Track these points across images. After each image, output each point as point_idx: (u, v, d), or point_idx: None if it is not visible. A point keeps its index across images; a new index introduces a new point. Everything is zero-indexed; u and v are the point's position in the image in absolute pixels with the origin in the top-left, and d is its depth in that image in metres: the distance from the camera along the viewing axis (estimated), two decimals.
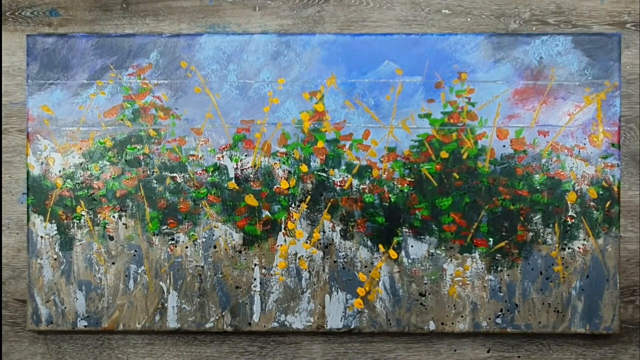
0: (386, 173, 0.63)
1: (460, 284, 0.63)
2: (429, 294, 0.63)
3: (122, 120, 0.63)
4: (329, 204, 0.63)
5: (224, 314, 0.63)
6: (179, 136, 0.63)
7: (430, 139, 0.63)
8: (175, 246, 0.63)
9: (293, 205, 0.63)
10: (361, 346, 0.64)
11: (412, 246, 0.63)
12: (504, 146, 0.63)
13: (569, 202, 0.62)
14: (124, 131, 0.63)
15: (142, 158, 0.63)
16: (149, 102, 0.63)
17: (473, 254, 0.63)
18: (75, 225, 0.63)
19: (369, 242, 0.63)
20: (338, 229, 0.63)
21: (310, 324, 0.63)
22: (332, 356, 0.64)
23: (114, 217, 0.63)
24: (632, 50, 0.64)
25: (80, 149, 0.63)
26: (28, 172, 0.63)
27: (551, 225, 0.62)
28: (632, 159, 0.64)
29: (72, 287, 0.62)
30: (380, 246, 0.63)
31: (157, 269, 0.63)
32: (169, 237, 0.63)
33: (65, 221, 0.63)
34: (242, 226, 0.63)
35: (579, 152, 0.62)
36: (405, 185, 0.63)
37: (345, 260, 0.63)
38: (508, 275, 0.63)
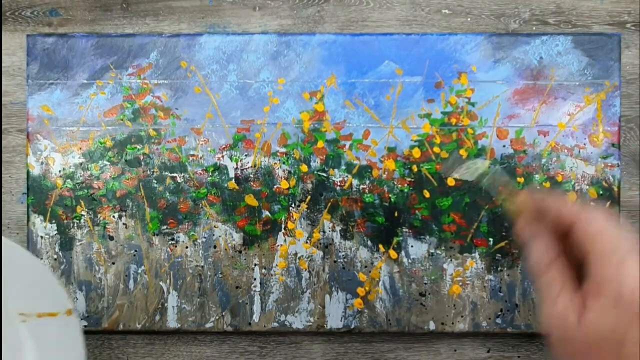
0: (386, 173, 0.63)
1: (460, 283, 0.63)
2: (429, 294, 0.63)
3: (122, 120, 0.63)
4: (329, 204, 0.63)
5: (224, 314, 0.63)
6: (179, 136, 0.63)
7: (430, 139, 0.63)
8: (175, 246, 0.63)
9: (293, 205, 0.63)
10: (361, 346, 0.64)
11: (412, 246, 0.63)
12: (504, 146, 0.63)
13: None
14: (124, 131, 0.63)
15: (142, 158, 0.63)
16: (149, 102, 0.63)
17: (473, 254, 0.63)
18: (75, 225, 0.63)
19: (369, 242, 0.63)
20: (338, 229, 0.63)
21: (310, 323, 0.63)
22: (332, 356, 0.64)
23: (114, 217, 0.63)
24: (632, 50, 0.64)
25: (80, 149, 0.63)
26: (28, 172, 0.63)
27: None
28: (632, 159, 0.64)
29: (72, 287, 0.62)
30: (380, 246, 0.63)
31: (157, 269, 0.63)
32: (169, 237, 0.63)
33: (65, 221, 0.63)
34: (242, 226, 0.63)
35: (579, 152, 0.62)
36: (405, 185, 0.63)
37: (345, 260, 0.63)
38: (508, 275, 0.63)
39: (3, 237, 0.55)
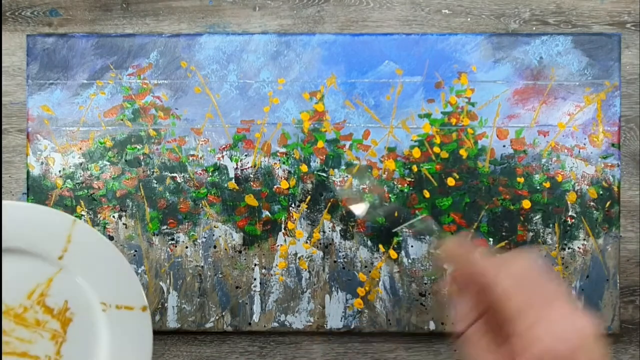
0: (386, 173, 0.63)
1: None
2: (429, 294, 0.63)
3: (122, 120, 0.63)
4: (329, 204, 0.63)
5: (224, 314, 0.63)
6: (179, 136, 0.63)
7: (430, 139, 0.63)
8: (175, 246, 0.63)
9: (293, 205, 0.63)
10: (361, 346, 0.64)
11: (412, 246, 0.63)
12: (504, 146, 0.63)
13: (569, 202, 0.62)
14: (124, 131, 0.63)
15: (142, 158, 0.63)
16: (149, 102, 0.63)
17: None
18: None
19: (369, 242, 0.63)
20: (338, 229, 0.63)
21: (310, 324, 0.63)
22: (332, 356, 0.64)
23: (114, 217, 0.63)
24: (632, 50, 0.64)
25: (80, 149, 0.63)
26: (28, 172, 0.63)
27: (551, 225, 0.62)
28: (632, 159, 0.64)
29: None
30: (380, 246, 0.63)
31: (157, 269, 0.63)
32: (169, 237, 0.63)
33: None
34: (242, 226, 0.63)
35: (579, 152, 0.62)
36: (405, 185, 0.63)
37: (345, 260, 0.63)
38: None
39: (93, 228, 0.56)
